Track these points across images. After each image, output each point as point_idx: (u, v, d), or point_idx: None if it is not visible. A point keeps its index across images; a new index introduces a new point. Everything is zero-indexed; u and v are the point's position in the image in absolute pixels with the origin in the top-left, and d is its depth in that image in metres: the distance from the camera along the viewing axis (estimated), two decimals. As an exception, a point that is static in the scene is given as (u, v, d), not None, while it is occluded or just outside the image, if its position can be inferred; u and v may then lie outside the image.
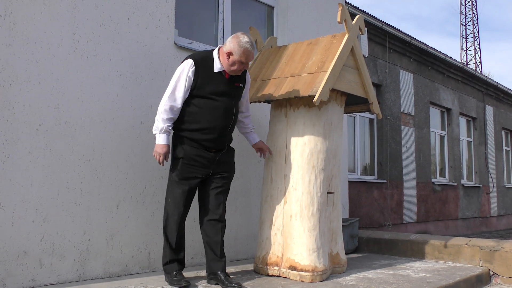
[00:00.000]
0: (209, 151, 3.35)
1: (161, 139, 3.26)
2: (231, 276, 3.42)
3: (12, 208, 3.10)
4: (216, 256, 3.38)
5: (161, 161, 3.30)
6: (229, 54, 3.30)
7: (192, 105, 3.30)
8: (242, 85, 3.52)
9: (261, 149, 3.85)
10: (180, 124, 3.32)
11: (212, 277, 3.38)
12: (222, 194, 3.47)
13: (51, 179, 3.30)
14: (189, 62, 3.29)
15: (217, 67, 3.34)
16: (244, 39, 3.30)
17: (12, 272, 3.08)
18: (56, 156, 3.33)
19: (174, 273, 3.30)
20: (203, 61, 3.33)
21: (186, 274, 3.48)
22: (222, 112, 3.34)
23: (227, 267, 3.47)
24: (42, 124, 3.28)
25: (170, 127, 3.30)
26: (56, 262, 3.29)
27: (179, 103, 3.27)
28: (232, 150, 3.58)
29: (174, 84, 3.28)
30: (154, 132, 3.31)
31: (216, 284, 3.33)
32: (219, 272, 3.34)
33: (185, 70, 3.28)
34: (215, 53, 3.39)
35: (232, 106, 3.41)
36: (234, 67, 3.32)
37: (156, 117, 3.30)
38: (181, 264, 3.38)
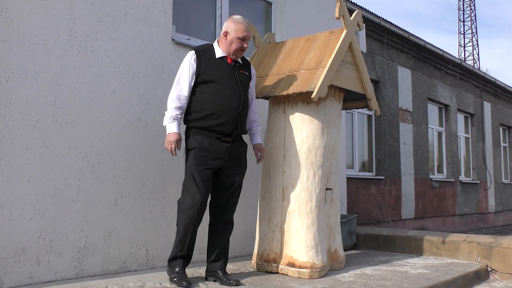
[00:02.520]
0: (222, 141, 3.28)
1: (171, 128, 3.24)
2: (229, 273, 3.42)
3: (9, 205, 3.09)
4: (220, 257, 3.39)
5: (173, 149, 3.24)
6: (225, 34, 3.36)
7: (199, 93, 3.29)
8: (247, 73, 3.50)
9: (259, 151, 3.68)
10: (190, 115, 3.31)
11: (210, 274, 3.38)
12: (237, 193, 3.47)
13: (49, 176, 3.28)
14: (191, 52, 3.37)
15: (218, 53, 3.38)
16: (237, 16, 3.41)
17: (10, 270, 3.07)
18: (53, 153, 3.32)
19: (177, 269, 3.22)
20: (204, 50, 3.39)
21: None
22: (229, 94, 3.29)
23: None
24: (39, 121, 3.26)
25: (180, 116, 3.28)
26: (54, 259, 3.29)
27: (185, 91, 3.28)
28: (245, 145, 3.50)
29: (179, 75, 3.33)
30: (164, 124, 3.29)
31: (214, 281, 3.33)
32: (218, 270, 3.34)
33: (187, 59, 3.34)
34: (215, 43, 3.46)
35: (239, 90, 3.35)
36: (233, 46, 3.34)
37: (166, 110, 3.31)
38: (187, 260, 3.30)
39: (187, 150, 3.33)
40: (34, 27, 3.27)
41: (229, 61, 3.39)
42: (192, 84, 3.30)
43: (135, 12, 3.86)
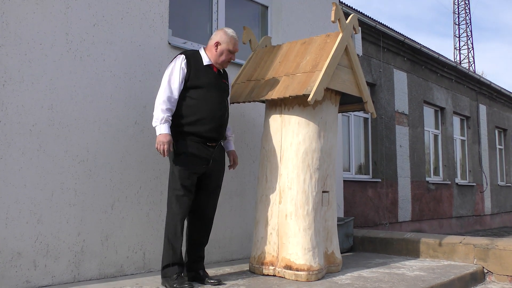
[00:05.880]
0: (208, 146, 3.36)
1: (163, 129, 3.20)
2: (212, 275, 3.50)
3: (6, 209, 3.09)
4: (201, 257, 3.47)
5: (165, 150, 3.17)
6: (217, 44, 3.44)
7: (188, 98, 3.32)
8: (227, 83, 3.62)
9: (234, 158, 3.76)
10: (179, 120, 3.31)
11: (190, 274, 3.41)
12: (217, 195, 3.55)
13: (45, 180, 3.28)
14: (180, 56, 3.38)
15: (205, 60, 3.45)
16: (230, 30, 3.52)
17: (6, 274, 3.06)
18: (50, 157, 3.32)
19: (175, 276, 3.19)
20: (193, 55, 3.44)
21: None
22: (217, 102, 3.40)
23: (222, 267, 3.48)
24: (35, 125, 3.26)
25: (170, 118, 3.27)
26: (51, 264, 3.28)
27: (175, 94, 3.29)
28: (224, 149, 3.63)
29: (168, 77, 3.31)
30: (154, 125, 3.25)
31: (193, 280, 3.38)
32: (200, 270, 3.42)
33: (178, 63, 3.34)
34: (201, 50, 3.52)
35: (224, 98, 3.51)
36: (223, 57, 3.45)
37: (154, 112, 3.27)
38: (182, 266, 3.30)
39: (176, 154, 3.29)
40: (31, 31, 3.27)
41: (214, 69, 3.48)
42: (182, 88, 3.33)
43: (132, 16, 3.87)
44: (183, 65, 3.33)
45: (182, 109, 3.31)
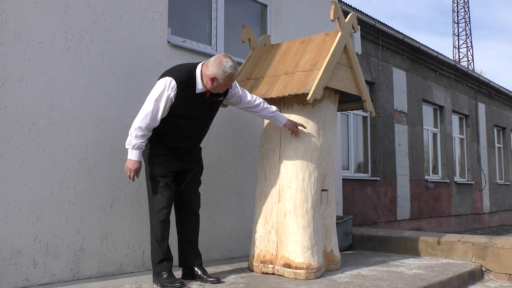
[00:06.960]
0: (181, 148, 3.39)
1: (133, 155, 3.14)
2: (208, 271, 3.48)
3: (5, 207, 3.09)
4: (196, 251, 3.46)
5: (132, 177, 3.18)
6: (213, 79, 3.22)
7: (167, 122, 3.24)
8: (220, 98, 3.46)
9: (295, 125, 3.67)
10: (157, 132, 3.26)
11: (188, 271, 3.42)
12: (198, 188, 3.56)
13: (44, 179, 3.28)
14: (172, 84, 3.17)
15: (199, 88, 3.26)
16: (228, 63, 3.20)
17: (6, 272, 3.06)
18: (49, 155, 3.32)
19: (165, 275, 3.21)
20: (186, 84, 3.23)
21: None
22: (194, 133, 3.38)
23: (222, 266, 3.48)
24: (35, 123, 3.26)
25: (143, 144, 3.18)
26: (50, 262, 3.28)
27: (157, 122, 3.18)
28: (199, 148, 3.59)
29: (155, 103, 3.14)
30: (126, 147, 3.18)
31: (192, 279, 3.38)
32: (197, 267, 3.40)
33: (167, 90, 3.16)
34: (197, 72, 3.26)
35: (205, 125, 3.46)
36: (217, 89, 3.29)
37: (130, 131, 3.15)
38: (171, 260, 3.31)
39: (151, 156, 3.28)
40: (30, 30, 3.27)
41: (207, 95, 3.33)
42: (166, 114, 3.22)
43: (131, 14, 3.87)
44: (172, 95, 3.16)
45: (162, 126, 3.23)
